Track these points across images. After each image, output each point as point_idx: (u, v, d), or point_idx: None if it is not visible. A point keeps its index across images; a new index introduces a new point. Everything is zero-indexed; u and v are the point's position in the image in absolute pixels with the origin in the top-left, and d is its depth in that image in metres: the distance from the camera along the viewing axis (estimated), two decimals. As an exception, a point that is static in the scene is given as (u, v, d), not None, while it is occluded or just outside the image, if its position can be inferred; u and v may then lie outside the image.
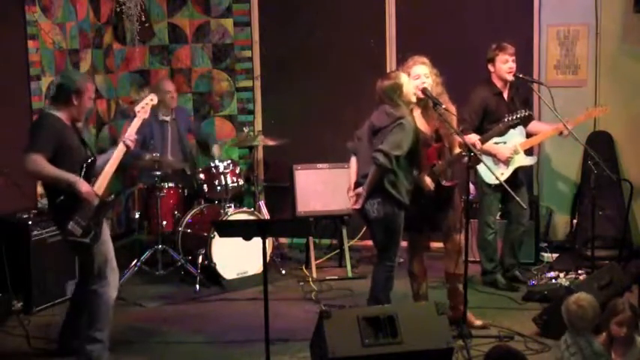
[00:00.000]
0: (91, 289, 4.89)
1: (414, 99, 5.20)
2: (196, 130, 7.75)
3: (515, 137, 6.17)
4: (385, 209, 5.09)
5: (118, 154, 4.92)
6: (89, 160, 4.84)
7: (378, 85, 5.21)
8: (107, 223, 5.08)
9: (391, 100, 5.13)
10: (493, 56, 6.15)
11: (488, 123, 6.03)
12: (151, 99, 5.17)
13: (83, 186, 4.68)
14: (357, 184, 5.23)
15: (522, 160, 6.22)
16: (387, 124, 5.08)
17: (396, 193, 5.05)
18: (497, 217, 6.50)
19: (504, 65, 6.11)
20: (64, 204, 4.72)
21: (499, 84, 6.19)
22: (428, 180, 5.21)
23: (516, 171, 6.20)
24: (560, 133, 6.21)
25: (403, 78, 5.19)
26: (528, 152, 6.41)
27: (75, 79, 4.89)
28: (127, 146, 4.96)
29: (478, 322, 5.42)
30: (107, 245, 4.95)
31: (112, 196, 5.09)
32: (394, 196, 5.06)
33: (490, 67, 6.19)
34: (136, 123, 5.06)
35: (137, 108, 5.09)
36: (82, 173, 4.75)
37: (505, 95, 6.21)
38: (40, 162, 4.63)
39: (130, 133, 5.00)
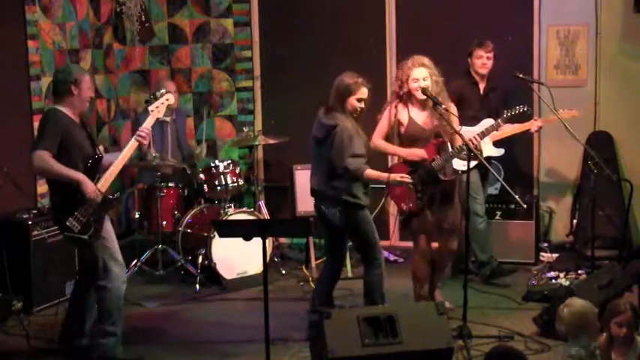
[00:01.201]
0: (99, 285, 4.92)
1: (356, 113, 5.11)
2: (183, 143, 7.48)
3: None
4: (347, 216, 5.12)
5: (129, 149, 4.91)
6: (95, 157, 4.86)
7: (338, 78, 5.15)
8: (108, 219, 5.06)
9: (335, 100, 5.09)
10: (471, 50, 6.41)
11: (461, 110, 6.04)
12: (167, 99, 5.14)
13: (89, 186, 4.72)
14: (312, 191, 5.30)
15: (490, 151, 6.28)
16: (324, 135, 5.08)
17: (351, 199, 5.11)
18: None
19: (478, 61, 6.37)
20: (64, 200, 4.74)
21: (476, 77, 6.42)
22: (417, 150, 5.28)
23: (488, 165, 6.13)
24: (528, 130, 6.36)
25: (362, 90, 5.08)
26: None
27: (70, 70, 4.96)
28: (140, 141, 4.93)
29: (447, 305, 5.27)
30: (111, 240, 4.96)
31: (117, 194, 5.10)
32: (351, 202, 5.10)
33: (469, 60, 6.42)
34: (149, 121, 5.03)
35: (151, 107, 5.06)
36: (87, 170, 4.77)
37: (481, 88, 6.41)
38: (46, 159, 4.66)
39: (144, 128, 4.95)
